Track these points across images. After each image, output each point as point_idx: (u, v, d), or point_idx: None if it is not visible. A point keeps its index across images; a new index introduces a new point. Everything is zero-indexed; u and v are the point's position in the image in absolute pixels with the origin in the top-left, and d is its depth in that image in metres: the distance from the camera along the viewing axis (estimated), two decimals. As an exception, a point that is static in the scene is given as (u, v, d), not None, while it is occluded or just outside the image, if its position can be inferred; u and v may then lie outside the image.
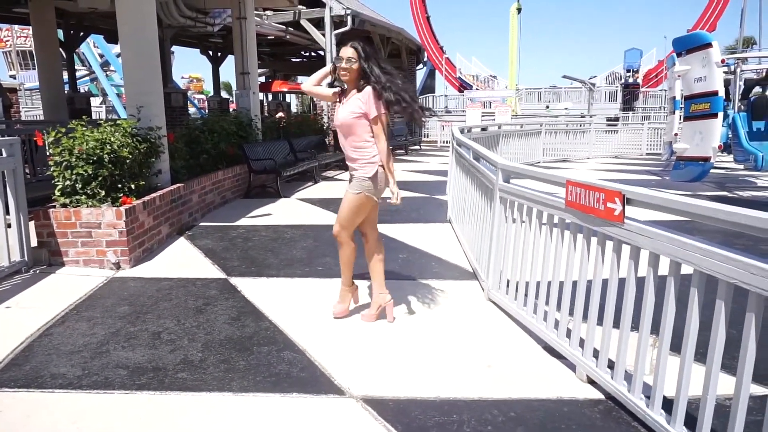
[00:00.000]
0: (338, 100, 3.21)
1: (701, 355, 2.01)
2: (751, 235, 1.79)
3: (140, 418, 2.33)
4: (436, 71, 36.26)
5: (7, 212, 4.04)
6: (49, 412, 2.36)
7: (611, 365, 2.51)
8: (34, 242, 4.35)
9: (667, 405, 2.15)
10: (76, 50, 17.75)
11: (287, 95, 29.72)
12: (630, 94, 30.22)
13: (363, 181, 3.11)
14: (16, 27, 33.00)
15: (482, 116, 18.63)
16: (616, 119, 24.05)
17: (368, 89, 3.03)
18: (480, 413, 2.38)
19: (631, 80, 30.43)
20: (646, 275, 2.24)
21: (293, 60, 24.11)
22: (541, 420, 2.34)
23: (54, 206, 4.38)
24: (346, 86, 3.16)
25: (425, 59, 26.12)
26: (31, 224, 4.35)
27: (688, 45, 7.36)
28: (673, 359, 2.16)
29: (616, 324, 2.44)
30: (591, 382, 2.64)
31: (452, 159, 6.37)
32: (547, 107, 27.33)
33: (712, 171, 8.11)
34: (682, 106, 8.53)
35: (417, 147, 17.99)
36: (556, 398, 2.52)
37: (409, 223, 6.15)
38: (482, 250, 4.07)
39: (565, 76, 23.42)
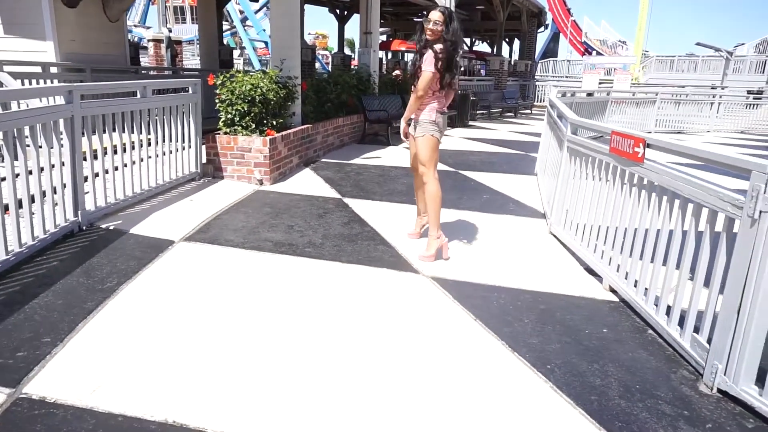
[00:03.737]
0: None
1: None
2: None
3: (282, 268, 3.51)
4: (561, 35, 34.84)
5: (189, 135, 5.45)
6: (226, 257, 3.63)
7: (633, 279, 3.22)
8: (204, 159, 5.79)
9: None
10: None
11: (405, 54, 30.49)
12: (784, 65, 27.02)
13: (428, 123, 3.66)
14: (172, -16, 36.83)
15: (600, 83, 18.15)
16: (761, 92, 21.94)
17: (436, 47, 3.50)
18: (515, 295, 3.25)
19: (786, 49, 27.17)
20: (657, 206, 2.92)
21: (414, 19, 24.74)
22: (561, 305, 3.15)
23: (219, 133, 5.76)
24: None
25: (547, 22, 25.38)
26: (202, 146, 5.78)
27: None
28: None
29: (635, 248, 3.13)
30: (612, 291, 3.37)
31: (546, 119, 6.94)
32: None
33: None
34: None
35: (528, 111, 18.10)
36: (579, 296, 3.31)
37: (498, 172, 6.91)
38: (551, 192, 4.79)
39: (698, 44, 21.66)
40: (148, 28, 34.54)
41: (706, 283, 2.44)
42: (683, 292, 2.62)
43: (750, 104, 15.64)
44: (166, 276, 3.28)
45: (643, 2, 24.73)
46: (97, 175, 4.11)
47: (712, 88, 19.33)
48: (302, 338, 2.62)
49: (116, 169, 4.30)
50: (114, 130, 4.22)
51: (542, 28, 24.22)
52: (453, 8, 14.46)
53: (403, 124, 3.93)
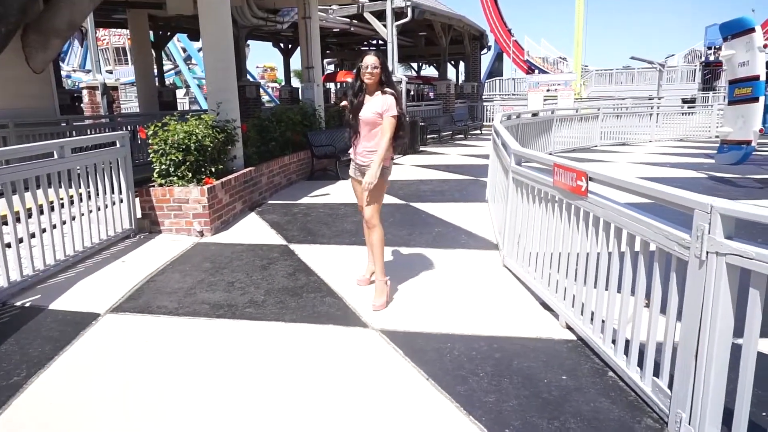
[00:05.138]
0: (357, 101, 3.63)
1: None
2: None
3: (218, 335, 3.22)
4: (504, 54, 35.89)
5: (119, 190, 5.12)
6: (157, 329, 3.31)
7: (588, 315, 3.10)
8: (138, 214, 5.44)
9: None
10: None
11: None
12: (711, 74, 28.59)
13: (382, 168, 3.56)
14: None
15: (545, 100, 18.60)
16: (693, 101, 23.05)
17: (391, 96, 3.54)
18: (469, 343, 3.07)
19: (712, 58, 28.77)
20: (604, 240, 2.81)
21: (359, 49, 24.98)
22: (517, 351, 2.99)
23: (153, 185, 5.44)
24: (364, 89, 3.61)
25: (489, 44, 26.09)
26: (136, 200, 5.44)
27: (733, 30, 7.40)
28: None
29: (588, 282, 3.01)
30: (569, 328, 3.23)
31: (492, 144, 6.92)
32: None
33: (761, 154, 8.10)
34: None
35: (477, 131, 18.35)
36: (535, 337, 3.15)
37: (450, 202, 6.81)
38: (502, 222, 4.68)
39: (633, 58, 22.71)
40: (89, 71, 33.63)
41: (663, 310, 2.32)
42: (640, 326, 2.50)
43: (685, 113, 16.33)
44: (85, 360, 2.94)
45: (578, 20, 25.77)
46: (8, 245, 3.74)
47: (650, 99, 20.15)
48: (237, 421, 2.35)
49: (33, 236, 3.94)
50: (27, 190, 3.87)
51: (485, 50, 24.85)
52: (395, 36, 14.64)
53: (376, 169, 3.51)
